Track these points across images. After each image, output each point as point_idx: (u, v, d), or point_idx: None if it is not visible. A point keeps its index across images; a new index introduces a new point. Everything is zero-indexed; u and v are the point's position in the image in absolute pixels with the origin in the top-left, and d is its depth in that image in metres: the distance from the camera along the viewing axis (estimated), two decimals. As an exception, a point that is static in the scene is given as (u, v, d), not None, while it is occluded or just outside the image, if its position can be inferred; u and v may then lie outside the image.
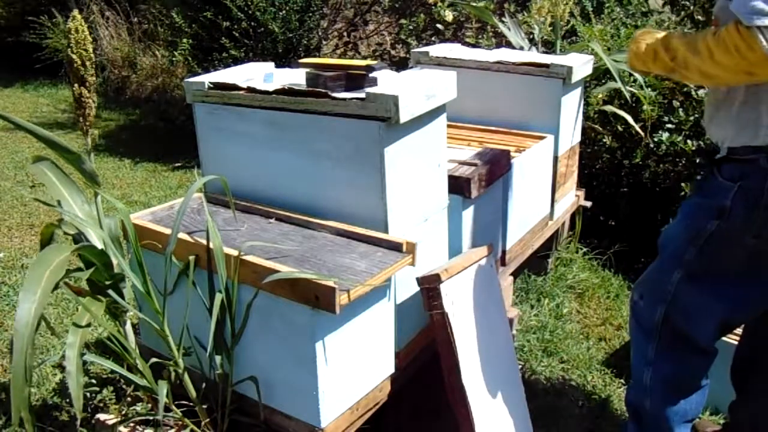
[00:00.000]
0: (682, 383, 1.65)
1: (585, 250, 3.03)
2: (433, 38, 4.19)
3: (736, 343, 1.83)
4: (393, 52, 4.65)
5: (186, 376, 1.57)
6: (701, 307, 1.56)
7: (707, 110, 1.54)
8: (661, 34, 1.47)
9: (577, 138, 2.78)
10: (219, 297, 1.50)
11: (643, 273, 1.71)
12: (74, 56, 1.48)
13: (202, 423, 1.59)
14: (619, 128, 3.10)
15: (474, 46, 3.54)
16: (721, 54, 1.28)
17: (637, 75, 2.91)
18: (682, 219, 1.58)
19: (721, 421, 2.03)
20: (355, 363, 1.54)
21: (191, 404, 1.60)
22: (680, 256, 1.56)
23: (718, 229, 1.47)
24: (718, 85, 1.45)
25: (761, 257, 1.45)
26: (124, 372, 1.55)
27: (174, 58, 4.79)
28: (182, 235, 1.59)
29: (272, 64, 2.00)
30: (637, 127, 2.97)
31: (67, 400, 2.02)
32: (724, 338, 1.98)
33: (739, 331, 1.82)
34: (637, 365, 1.70)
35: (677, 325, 1.60)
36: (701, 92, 2.92)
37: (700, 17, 3.36)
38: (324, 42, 5.01)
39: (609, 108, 3.07)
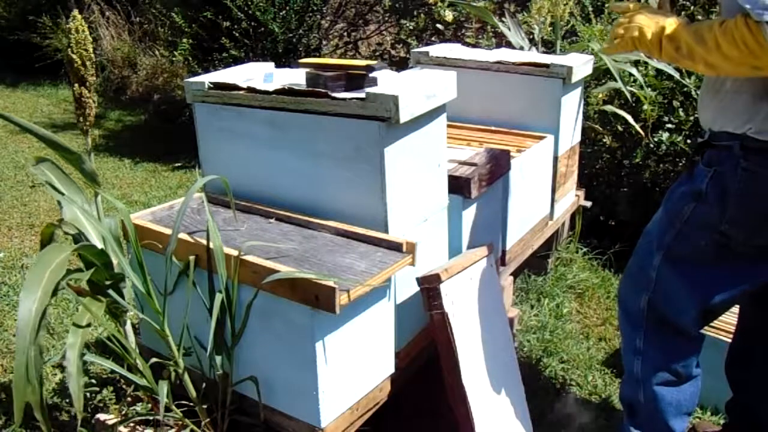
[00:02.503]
0: (672, 372, 1.66)
1: (585, 250, 3.04)
2: (433, 38, 4.19)
3: (729, 340, 1.83)
4: (393, 52, 4.65)
5: (186, 376, 1.57)
6: (682, 292, 1.57)
7: (699, 95, 1.57)
8: (662, 20, 1.42)
9: (577, 138, 2.78)
10: (219, 297, 1.51)
11: (627, 265, 1.73)
12: (74, 56, 1.49)
13: (202, 423, 1.59)
14: (619, 128, 3.10)
15: (474, 46, 3.54)
16: (728, 46, 1.28)
17: (636, 75, 2.91)
18: (665, 204, 1.61)
19: (721, 422, 2.03)
20: (355, 363, 1.54)
21: (191, 404, 1.60)
22: (661, 238, 1.58)
23: (694, 212, 1.50)
24: (719, 75, 1.46)
25: (735, 244, 1.46)
26: (124, 372, 1.55)
27: (174, 58, 4.79)
28: (182, 235, 1.59)
29: (272, 64, 2.00)
30: (637, 127, 2.97)
31: (67, 400, 2.02)
32: (719, 336, 1.99)
33: (732, 328, 1.82)
34: (628, 358, 1.71)
35: (661, 311, 1.61)
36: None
37: (700, 17, 3.35)
38: (324, 42, 5.01)
39: (609, 108, 3.07)
